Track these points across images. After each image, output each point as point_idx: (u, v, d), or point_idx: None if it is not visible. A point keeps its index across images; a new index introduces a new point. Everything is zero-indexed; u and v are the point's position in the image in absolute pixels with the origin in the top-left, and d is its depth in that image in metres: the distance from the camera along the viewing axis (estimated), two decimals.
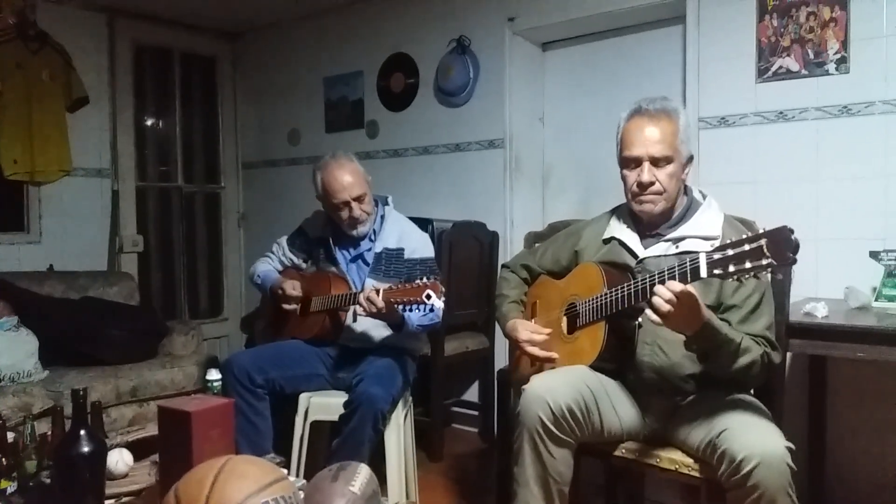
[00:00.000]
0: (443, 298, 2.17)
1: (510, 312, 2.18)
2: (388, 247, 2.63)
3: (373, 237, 2.67)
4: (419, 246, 2.65)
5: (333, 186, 2.56)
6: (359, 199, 2.57)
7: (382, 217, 2.69)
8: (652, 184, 1.86)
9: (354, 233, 2.63)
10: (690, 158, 1.93)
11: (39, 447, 1.85)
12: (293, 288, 2.65)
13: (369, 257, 2.65)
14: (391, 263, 2.62)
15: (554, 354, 1.97)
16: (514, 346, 2.12)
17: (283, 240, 2.91)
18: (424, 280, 2.19)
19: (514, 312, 2.18)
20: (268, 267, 2.86)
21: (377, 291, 2.26)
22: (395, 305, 2.26)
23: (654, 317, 1.60)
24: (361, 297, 2.30)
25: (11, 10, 3.73)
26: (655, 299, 1.59)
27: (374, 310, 2.28)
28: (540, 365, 2.03)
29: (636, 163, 1.88)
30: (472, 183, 3.77)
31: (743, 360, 1.71)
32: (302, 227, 2.89)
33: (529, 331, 2.04)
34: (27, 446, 1.86)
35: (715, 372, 1.78)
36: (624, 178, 1.94)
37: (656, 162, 1.85)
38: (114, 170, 4.29)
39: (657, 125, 1.86)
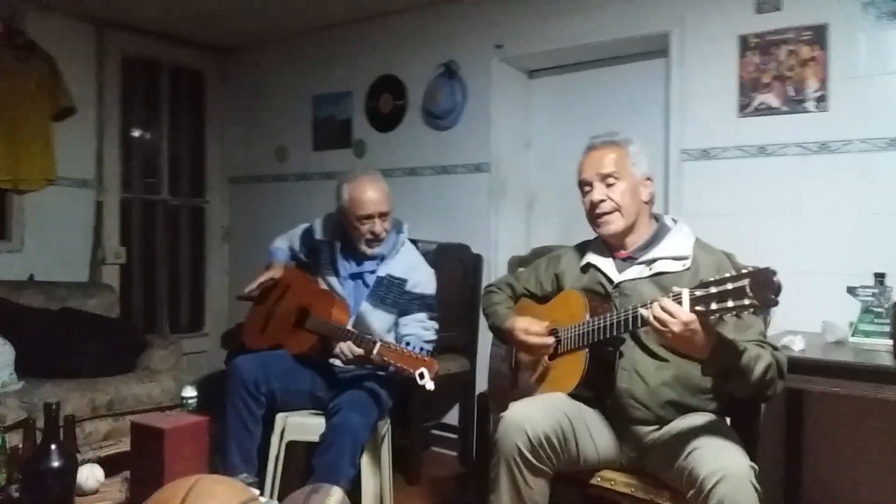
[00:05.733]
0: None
1: (508, 315, 2.15)
2: (393, 274, 2.61)
3: (380, 260, 2.64)
4: (423, 280, 2.64)
5: (363, 199, 2.55)
6: (383, 217, 2.57)
7: (394, 244, 2.66)
8: (603, 201, 1.96)
9: (371, 251, 2.61)
10: (649, 179, 2.02)
11: (10, 460, 1.83)
12: (269, 276, 2.73)
13: (370, 279, 2.62)
14: (391, 291, 2.59)
15: (550, 340, 1.98)
16: (512, 341, 2.10)
17: (300, 228, 2.90)
18: (423, 353, 2.19)
19: (513, 314, 2.16)
20: (283, 245, 2.88)
21: (373, 343, 2.27)
22: (387, 363, 2.25)
23: (656, 322, 1.58)
24: (338, 349, 2.40)
25: None
26: (658, 311, 1.57)
27: (353, 363, 2.39)
28: (525, 373, 2.04)
29: (588, 185, 2.00)
30: (457, 205, 3.79)
31: (759, 367, 1.66)
32: (312, 226, 2.85)
33: (528, 322, 2.05)
34: None
35: (737, 390, 1.76)
36: (584, 205, 2.04)
37: (605, 179, 1.97)
38: (98, 181, 4.26)
39: (603, 151, 2.01)
